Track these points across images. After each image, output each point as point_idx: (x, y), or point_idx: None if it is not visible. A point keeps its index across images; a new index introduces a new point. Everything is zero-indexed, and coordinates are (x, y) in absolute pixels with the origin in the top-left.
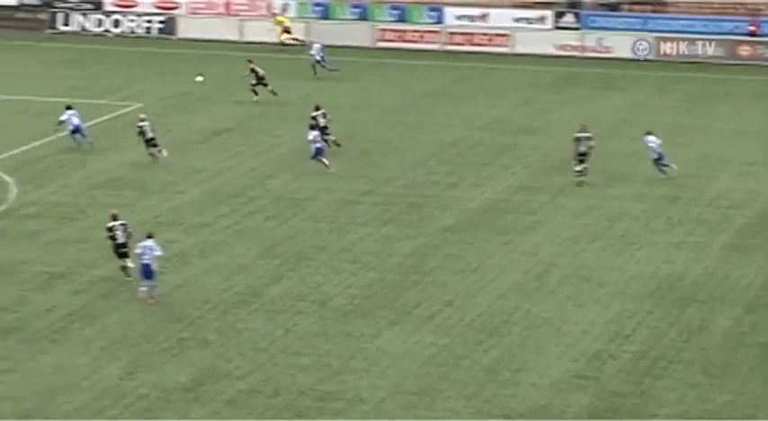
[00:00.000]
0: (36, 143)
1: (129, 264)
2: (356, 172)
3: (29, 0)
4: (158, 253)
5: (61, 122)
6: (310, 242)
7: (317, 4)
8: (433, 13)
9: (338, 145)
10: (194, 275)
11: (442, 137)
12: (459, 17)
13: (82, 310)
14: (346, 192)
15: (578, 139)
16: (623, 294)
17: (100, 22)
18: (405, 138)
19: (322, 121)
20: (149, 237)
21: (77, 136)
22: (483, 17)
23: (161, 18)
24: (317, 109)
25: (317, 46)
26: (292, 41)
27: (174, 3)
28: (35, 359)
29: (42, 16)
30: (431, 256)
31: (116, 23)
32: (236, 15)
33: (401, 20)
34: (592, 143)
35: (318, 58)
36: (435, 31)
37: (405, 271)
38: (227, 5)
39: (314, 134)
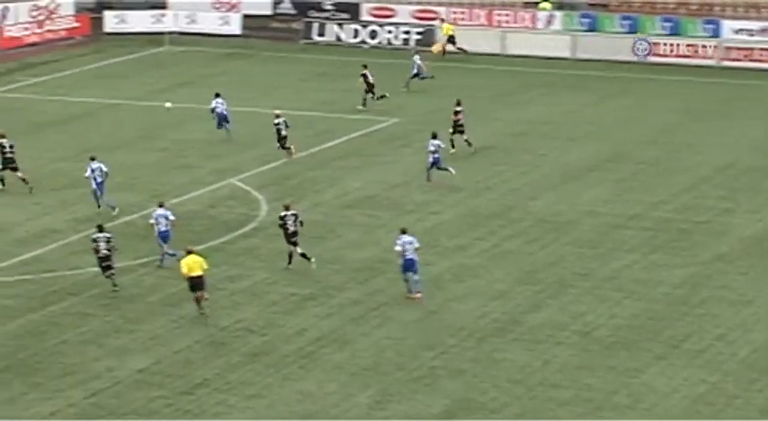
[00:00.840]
0: (287, 158)
1: (299, 250)
2: (623, 194)
3: (284, 9)
4: (417, 245)
5: (212, 110)
6: (572, 268)
7: (585, 16)
8: (709, 26)
9: (470, 144)
10: (449, 301)
11: (716, 159)
12: (738, 31)
13: (332, 335)
14: (612, 216)
15: None
16: None
17: (356, 33)
18: (676, 159)
19: (461, 118)
20: (404, 232)
21: (226, 125)
22: (763, 31)
23: (419, 29)
24: (459, 104)
25: (417, 57)
26: (455, 50)
27: (433, 13)
28: (283, 385)
29: (297, 26)
30: (702, 286)
31: (373, 34)
32: (498, 27)
33: (674, 33)
34: None
35: (415, 70)
36: (711, 46)
37: (673, 301)
38: (489, 16)
39: (435, 144)
